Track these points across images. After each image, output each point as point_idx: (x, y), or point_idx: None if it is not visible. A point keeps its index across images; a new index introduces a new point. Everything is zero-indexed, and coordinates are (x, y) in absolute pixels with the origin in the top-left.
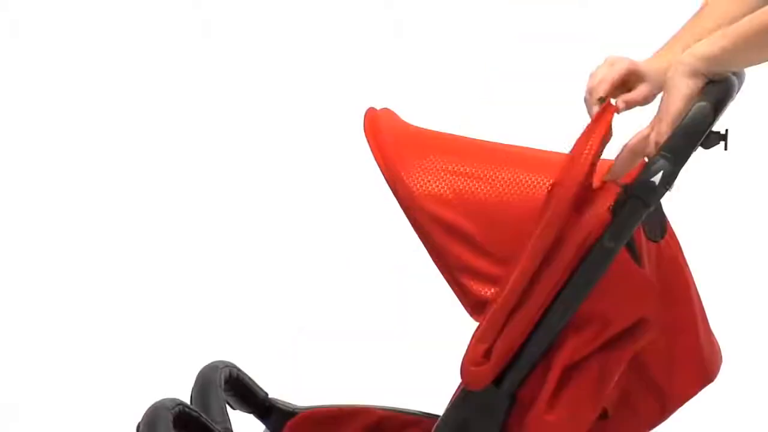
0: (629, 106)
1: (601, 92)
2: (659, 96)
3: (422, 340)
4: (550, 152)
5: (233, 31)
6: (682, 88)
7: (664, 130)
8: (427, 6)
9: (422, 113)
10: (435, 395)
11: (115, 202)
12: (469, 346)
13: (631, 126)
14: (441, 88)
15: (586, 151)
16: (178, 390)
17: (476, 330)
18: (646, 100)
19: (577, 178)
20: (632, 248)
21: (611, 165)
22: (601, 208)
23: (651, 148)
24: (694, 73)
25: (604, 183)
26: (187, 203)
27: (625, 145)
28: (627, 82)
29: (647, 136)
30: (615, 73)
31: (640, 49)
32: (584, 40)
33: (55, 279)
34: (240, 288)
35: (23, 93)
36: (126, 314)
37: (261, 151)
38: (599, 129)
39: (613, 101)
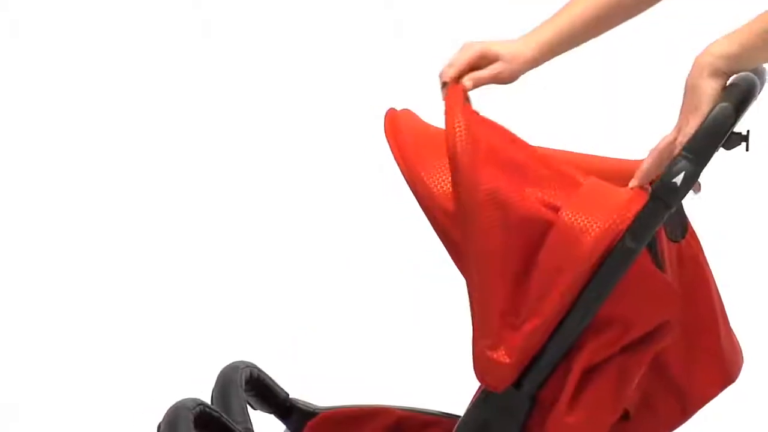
0: (477, 84)
1: (445, 77)
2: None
3: (438, 339)
4: (565, 152)
5: (233, 31)
6: (706, 89)
7: (690, 132)
8: (427, 6)
9: (422, 113)
10: (454, 395)
11: (117, 202)
12: None
13: (657, 129)
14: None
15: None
16: (199, 390)
17: None
18: (496, 79)
19: (466, 162)
20: (655, 254)
21: (638, 167)
22: (626, 211)
23: (677, 151)
24: (716, 73)
25: (631, 189)
26: (191, 204)
27: (652, 150)
28: (479, 66)
29: (673, 141)
30: (462, 59)
31: (638, 49)
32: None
33: (61, 280)
34: (256, 289)
35: (23, 93)
36: (140, 315)
37: (262, 150)
38: (448, 114)
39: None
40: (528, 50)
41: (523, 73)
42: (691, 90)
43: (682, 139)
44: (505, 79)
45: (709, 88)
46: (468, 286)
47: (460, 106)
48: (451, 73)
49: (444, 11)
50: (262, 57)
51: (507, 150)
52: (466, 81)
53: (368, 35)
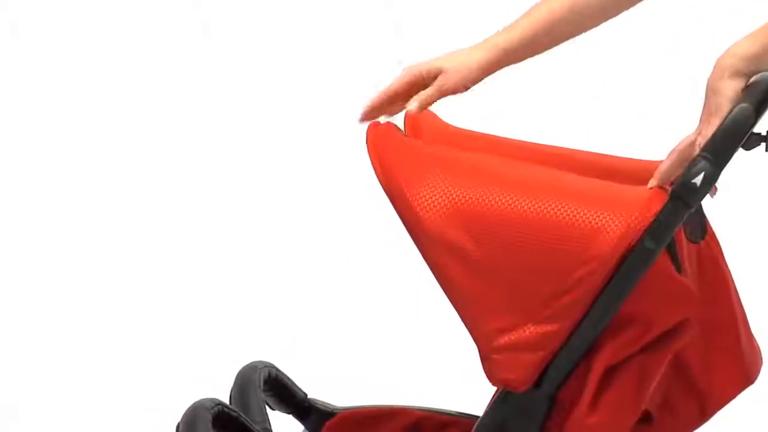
0: (423, 104)
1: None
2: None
3: (438, 340)
4: (580, 151)
5: (233, 31)
6: (727, 91)
7: (710, 134)
8: (427, 6)
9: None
10: (475, 396)
11: (118, 202)
12: None
13: (677, 131)
14: None
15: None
16: (204, 390)
17: None
18: (441, 93)
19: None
20: (674, 256)
21: (654, 168)
22: (646, 210)
23: (697, 152)
24: (737, 74)
25: (650, 189)
26: (191, 204)
27: (672, 151)
28: (426, 86)
29: (694, 142)
30: (390, 89)
31: (639, 49)
32: (584, 39)
33: (65, 282)
34: (258, 290)
35: (23, 93)
36: (144, 316)
37: (261, 150)
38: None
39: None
40: (479, 56)
41: (475, 81)
42: (711, 92)
43: (702, 140)
44: (450, 90)
45: (730, 89)
46: (463, 292)
47: (380, 144)
48: (369, 113)
49: (444, 11)
50: (262, 57)
51: (462, 160)
52: (411, 104)
53: (368, 35)
